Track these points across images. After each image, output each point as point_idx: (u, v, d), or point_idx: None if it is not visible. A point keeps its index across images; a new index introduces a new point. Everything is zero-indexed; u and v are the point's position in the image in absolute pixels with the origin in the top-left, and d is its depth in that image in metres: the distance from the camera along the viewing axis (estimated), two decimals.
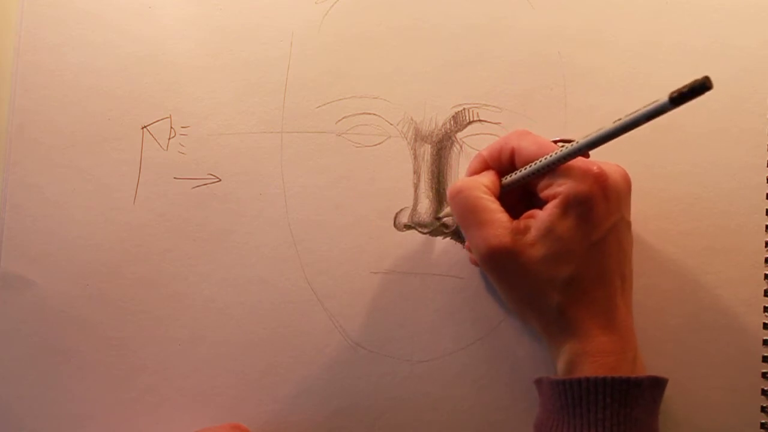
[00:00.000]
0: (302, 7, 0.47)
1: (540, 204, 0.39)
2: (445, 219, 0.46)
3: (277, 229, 0.46)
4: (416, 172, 0.46)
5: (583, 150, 0.36)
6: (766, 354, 0.43)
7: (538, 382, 0.39)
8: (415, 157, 0.46)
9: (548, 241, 0.37)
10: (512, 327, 0.45)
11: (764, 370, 0.43)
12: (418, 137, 0.46)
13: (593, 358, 0.37)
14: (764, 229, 0.44)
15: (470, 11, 0.47)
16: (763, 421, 0.43)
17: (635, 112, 0.33)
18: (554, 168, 0.37)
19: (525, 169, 0.39)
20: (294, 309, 0.46)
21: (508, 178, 0.40)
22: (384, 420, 0.45)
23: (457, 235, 0.46)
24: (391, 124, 0.46)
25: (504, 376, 0.44)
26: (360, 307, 0.45)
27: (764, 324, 0.43)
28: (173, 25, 0.48)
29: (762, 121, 0.44)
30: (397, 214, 0.46)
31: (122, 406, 0.46)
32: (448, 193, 0.40)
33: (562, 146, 0.37)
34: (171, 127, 0.47)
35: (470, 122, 0.46)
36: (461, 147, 0.46)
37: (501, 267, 0.38)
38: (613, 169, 0.38)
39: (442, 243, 0.46)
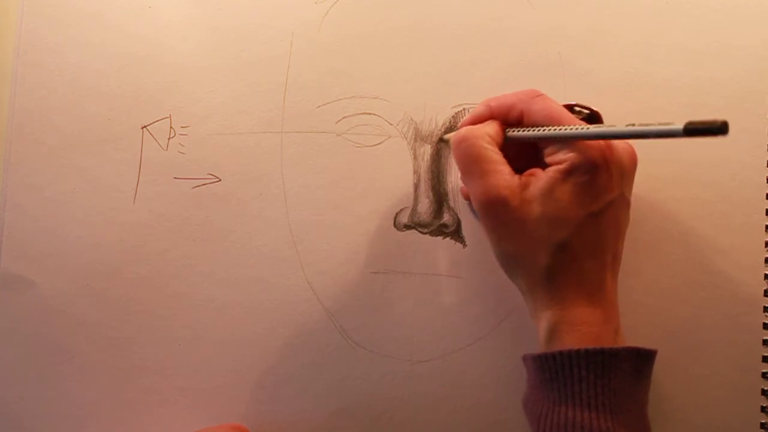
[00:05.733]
0: (302, 7, 0.47)
1: (542, 159, 0.39)
2: (445, 219, 0.46)
3: (277, 229, 0.46)
4: (416, 172, 0.46)
5: (593, 139, 0.37)
6: (766, 354, 0.43)
7: (524, 358, 0.40)
8: (415, 157, 0.46)
9: (546, 202, 0.37)
10: (512, 327, 0.45)
11: (764, 370, 0.43)
12: (418, 137, 0.46)
13: (575, 327, 0.37)
14: (764, 229, 0.44)
15: (470, 11, 0.47)
16: (763, 421, 0.43)
17: (648, 125, 0.33)
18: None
19: (532, 131, 0.39)
20: (294, 309, 0.46)
21: (513, 132, 0.40)
22: (384, 420, 0.45)
23: (457, 235, 0.46)
24: (391, 124, 0.46)
25: (504, 376, 0.44)
26: (360, 307, 0.45)
27: (764, 324, 0.43)
28: (173, 25, 0.48)
29: (762, 121, 0.44)
30: (397, 214, 0.46)
31: (122, 406, 0.46)
32: (452, 139, 0.40)
33: (576, 110, 0.39)
34: (171, 127, 0.47)
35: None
36: None
37: (496, 218, 0.38)
38: (622, 146, 0.38)
39: (442, 243, 0.46)
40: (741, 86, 0.44)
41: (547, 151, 0.38)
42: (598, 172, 0.37)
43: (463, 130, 0.40)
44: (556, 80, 0.45)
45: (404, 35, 0.47)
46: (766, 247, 0.44)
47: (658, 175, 0.44)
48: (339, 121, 0.47)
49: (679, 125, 0.31)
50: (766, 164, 0.44)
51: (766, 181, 0.44)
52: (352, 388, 0.45)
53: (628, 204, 0.40)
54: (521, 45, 0.46)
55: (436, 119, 0.46)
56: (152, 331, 0.46)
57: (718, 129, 0.30)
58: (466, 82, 0.46)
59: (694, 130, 0.30)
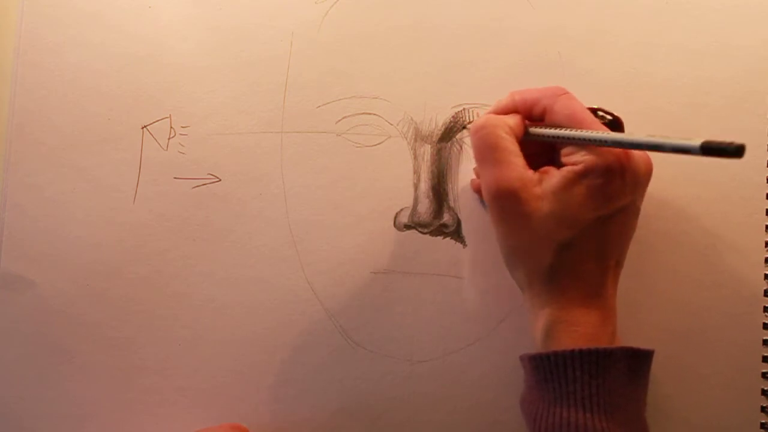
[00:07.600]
0: (302, 7, 0.47)
1: (559, 159, 0.39)
2: (445, 219, 0.46)
3: (277, 229, 0.46)
4: (416, 172, 0.46)
5: (611, 146, 0.37)
6: (766, 354, 0.43)
7: (521, 358, 0.40)
8: (415, 157, 0.46)
9: (556, 200, 0.37)
10: (512, 327, 0.45)
11: (764, 370, 0.43)
12: (418, 137, 0.46)
13: (572, 327, 0.37)
14: (764, 229, 0.44)
15: (470, 11, 0.47)
16: (763, 421, 0.43)
17: (667, 138, 0.33)
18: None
19: (553, 130, 0.39)
20: (294, 309, 0.46)
21: (535, 129, 0.40)
22: (384, 420, 0.45)
23: (457, 235, 0.46)
24: (391, 124, 0.46)
25: (504, 376, 0.44)
26: (360, 307, 0.45)
27: (764, 324, 0.43)
28: (173, 25, 0.48)
29: (762, 121, 0.44)
30: (397, 214, 0.46)
31: (122, 406, 0.46)
32: (471, 126, 0.40)
33: (599, 114, 0.40)
34: (171, 127, 0.47)
35: (470, 122, 0.46)
36: (461, 147, 0.46)
37: (504, 209, 0.39)
38: (639, 155, 0.38)
39: (442, 243, 0.46)
40: (741, 86, 0.44)
41: (565, 150, 0.38)
42: (613, 177, 0.37)
43: (483, 118, 0.40)
44: (556, 80, 0.45)
45: (404, 35, 0.47)
46: (766, 247, 0.44)
47: (659, 174, 0.44)
48: (339, 121, 0.47)
49: (697, 142, 0.31)
50: (766, 164, 0.44)
51: (766, 181, 0.44)
52: (352, 388, 0.45)
53: (637, 213, 0.40)
54: (521, 45, 0.46)
55: (436, 119, 0.46)
56: (152, 331, 0.46)
57: (735, 151, 0.30)
58: (466, 82, 0.46)
59: (710, 149, 0.31)
